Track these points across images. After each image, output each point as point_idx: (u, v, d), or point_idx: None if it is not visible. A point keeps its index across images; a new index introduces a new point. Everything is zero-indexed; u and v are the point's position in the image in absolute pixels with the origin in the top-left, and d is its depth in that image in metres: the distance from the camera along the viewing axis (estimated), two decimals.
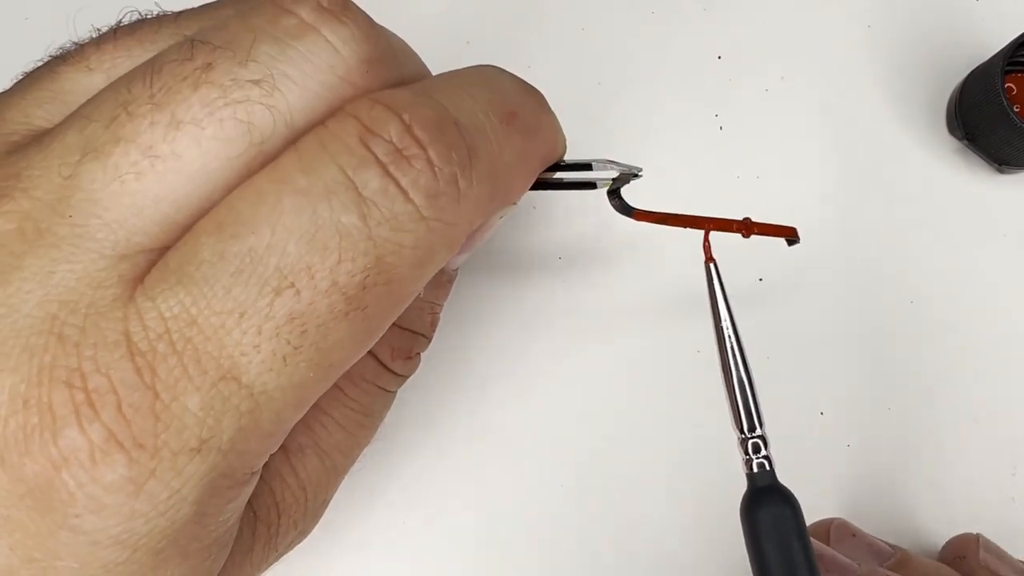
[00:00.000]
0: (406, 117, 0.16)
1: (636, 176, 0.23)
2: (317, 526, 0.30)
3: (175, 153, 0.15)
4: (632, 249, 0.33)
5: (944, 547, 0.29)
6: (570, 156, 0.22)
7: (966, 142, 0.33)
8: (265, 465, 0.20)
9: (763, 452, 0.21)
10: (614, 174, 0.22)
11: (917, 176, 0.34)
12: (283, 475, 0.21)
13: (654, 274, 0.33)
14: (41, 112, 0.17)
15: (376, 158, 0.15)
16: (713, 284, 0.22)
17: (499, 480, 0.31)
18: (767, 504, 0.21)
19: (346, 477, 0.31)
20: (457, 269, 0.23)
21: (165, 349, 0.14)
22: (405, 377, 0.24)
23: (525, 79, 0.21)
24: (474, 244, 0.21)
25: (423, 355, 0.25)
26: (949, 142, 0.34)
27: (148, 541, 0.14)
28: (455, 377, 0.32)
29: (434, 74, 0.20)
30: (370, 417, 0.23)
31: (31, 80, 0.18)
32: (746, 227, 0.24)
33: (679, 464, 0.31)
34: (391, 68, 0.17)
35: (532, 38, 0.35)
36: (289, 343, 0.14)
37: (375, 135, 0.15)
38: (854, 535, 0.28)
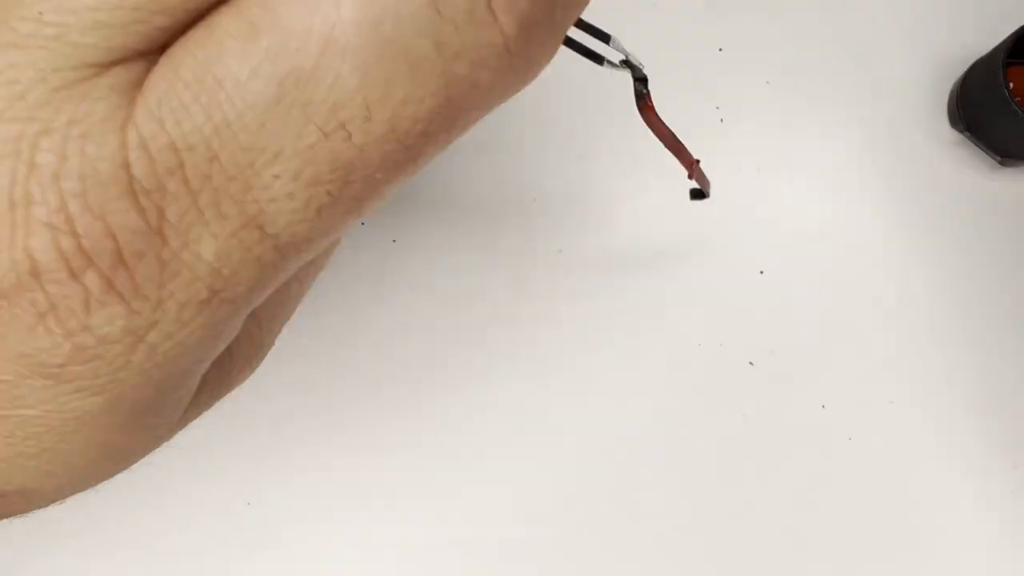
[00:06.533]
0: None
1: (641, 77, 0.25)
2: (314, 534, 0.30)
3: None
4: (633, 245, 0.33)
5: None
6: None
7: (968, 134, 0.33)
8: None
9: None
10: (621, 56, 0.25)
11: (918, 168, 0.34)
12: None
13: (655, 270, 0.33)
14: None
15: None
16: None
17: (499, 479, 0.31)
18: None
19: (345, 478, 0.31)
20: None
21: (177, 188, 0.11)
22: None
23: None
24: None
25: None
26: (950, 134, 0.34)
27: (135, 393, 0.13)
28: (454, 374, 0.32)
29: None
30: None
31: None
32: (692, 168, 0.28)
33: (679, 461, 0.31)
34: None
35: None
36: (329, 193, 0.12)
37: None
38: None
